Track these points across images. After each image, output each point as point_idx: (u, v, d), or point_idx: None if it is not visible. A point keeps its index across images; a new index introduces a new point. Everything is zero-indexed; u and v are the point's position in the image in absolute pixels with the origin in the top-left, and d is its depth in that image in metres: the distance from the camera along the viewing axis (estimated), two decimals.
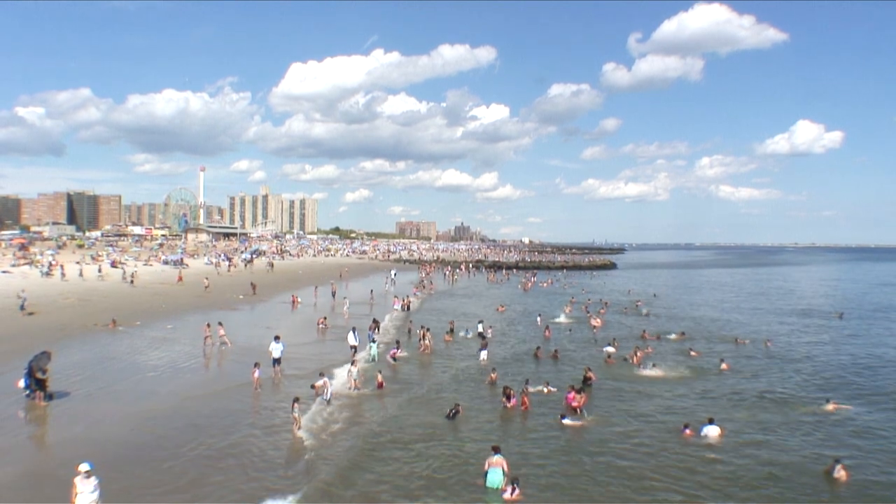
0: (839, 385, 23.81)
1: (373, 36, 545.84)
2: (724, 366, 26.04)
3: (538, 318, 38.51)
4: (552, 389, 21.17)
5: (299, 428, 16.43)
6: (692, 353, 28.93)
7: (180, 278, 52.95)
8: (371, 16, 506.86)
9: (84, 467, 10.93)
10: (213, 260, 77.75)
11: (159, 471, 13.57)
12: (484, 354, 26.44)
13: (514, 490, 12.75)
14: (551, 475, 14.13)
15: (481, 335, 32.02)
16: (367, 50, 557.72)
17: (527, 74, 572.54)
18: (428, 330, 29.82)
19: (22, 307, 32.95)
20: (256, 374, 20.62)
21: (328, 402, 18.89)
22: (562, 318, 40.19)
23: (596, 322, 37.44)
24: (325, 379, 19.51)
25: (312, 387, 19.71)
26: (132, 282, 48.86)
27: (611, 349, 28.55)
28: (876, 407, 20.74)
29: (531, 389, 20.62)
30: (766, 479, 14.30)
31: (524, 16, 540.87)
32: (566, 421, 17.96)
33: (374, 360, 25.35)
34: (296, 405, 16.66)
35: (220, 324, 28.41)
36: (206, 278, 51.40)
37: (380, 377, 21.63)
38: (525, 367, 25.54)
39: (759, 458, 15.57)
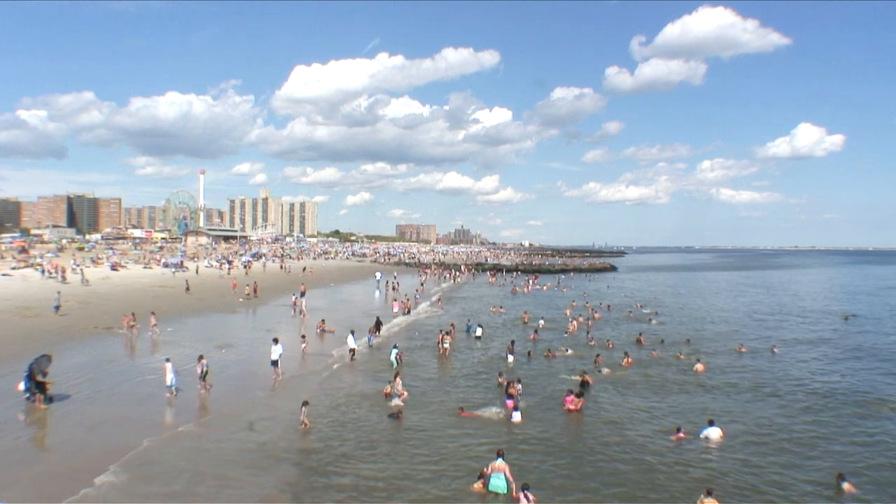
0: (839, 389, 23.79)
1: (376, 39, 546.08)
2: (699, 366, 26.25)
3: (540, 322, 38.53)
4: (518, 387, 21.03)
5: (306, 428, 16.58)
6: (680, 357, 28.90)
7: (234, 286, 52.44)
8: (374, 19, 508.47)
9: None
10: (214, 263, 77.81)
11: (160, 473, 13.56)
12: (511, 358, 26.64)
13: (527, 497, 12.56)
14: (543, 479, 14.04)
15: (478, 338, 32.29)
16: (371, 53, 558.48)
17: (529, 78, 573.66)
18: (448, 333, 29.81)
19: (56, 307, 33.85)
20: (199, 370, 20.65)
21: (173, 390, 19.39)
22: (541, 322, 39.08)
23: (572, 326, 37.68)
24: (167, 364, 19.75)
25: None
26: (187, 289, 48.92)
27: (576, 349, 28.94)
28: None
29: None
30: (767, 482, 14.30)
31: (527, 19, 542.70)
32: (515, 416, 18.18)
33: (392, 365, 24.97)
34: (304, 408, 16.84)
35: (152, 313, 31.69)
36: (248, 285, 50.17)
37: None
38: (519, 370, 25.49)
39: (760, 459, 15.61)
